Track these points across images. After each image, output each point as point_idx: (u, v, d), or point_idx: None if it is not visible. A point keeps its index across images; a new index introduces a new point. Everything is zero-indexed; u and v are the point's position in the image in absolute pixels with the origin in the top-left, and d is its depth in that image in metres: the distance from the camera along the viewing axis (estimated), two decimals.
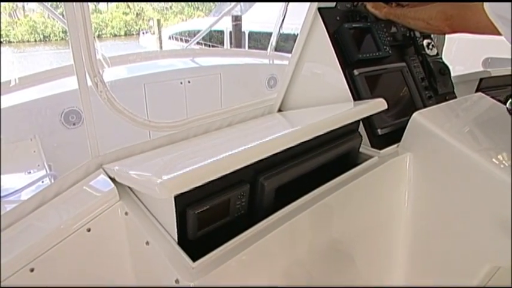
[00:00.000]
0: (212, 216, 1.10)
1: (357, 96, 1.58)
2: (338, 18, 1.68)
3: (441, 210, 1.46)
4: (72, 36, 1.27)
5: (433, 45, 2.08)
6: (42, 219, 1.18)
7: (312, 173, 1.33)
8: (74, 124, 2.78)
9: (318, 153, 1.33)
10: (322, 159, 1.34)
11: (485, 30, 1.28)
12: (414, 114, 1.48)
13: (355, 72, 1.59)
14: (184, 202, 1.03)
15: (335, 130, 1.31)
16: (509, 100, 1.39)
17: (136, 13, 31.69)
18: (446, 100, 1.94)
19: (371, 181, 1.43)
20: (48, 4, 3.10)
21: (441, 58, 2.11)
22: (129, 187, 1.29)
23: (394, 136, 1.58)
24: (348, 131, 1.46)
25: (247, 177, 1.16)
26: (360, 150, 1.56)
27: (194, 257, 1.01)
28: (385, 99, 1.46)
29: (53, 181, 1.98)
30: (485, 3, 1.24)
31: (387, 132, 1.60)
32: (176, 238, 1.08)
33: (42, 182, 1.97)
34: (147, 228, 1.12)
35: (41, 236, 1.07)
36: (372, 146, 1.56)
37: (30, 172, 2.12)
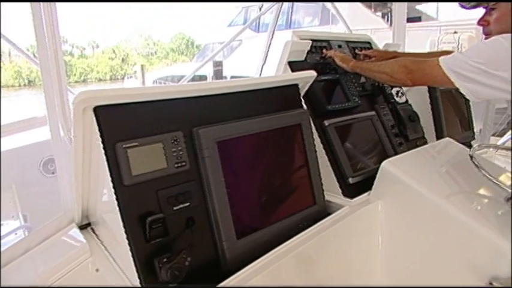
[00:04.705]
0: (146, 160, 1.09)
1: (328, 145, 1.63)
2: None
3: (413, 253, 1.47)
4: (46, 87, 1.31)
5: (402, 93, 2.18)
6: (9, 276, 1.16)
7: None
8: (52, 173, 2.75)
9: (257, 116, 1.35)
10: (262, 123, 1.35)
11: (442, 83, 1.38)
12: (383, 163, 1.53)
13: (326, 122, 1.65)
14: (114, 137, 1.04)
15: (275, 101, 1.44)
16: (471, 149, 1.45)
17: (122, 58, 32.20)
18: (417, 145, 2.01)
19: (344, 229, 1.44)
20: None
21: (410, 105, 2.20)
22: (101, 242, 1.29)
23: (367, 183, 1.62)
24: (290, 106, 1.48)
25: (182, 128, 1.17)
26: (332, 199, 1.58)
27: None
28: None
29: (27, 233, 1.95)
30: (439, 59, 1.34)
31: (359, 181, 1.64)
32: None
33: (16, 233, 1.94)
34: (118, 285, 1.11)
35: None
36: (344, 195, 1.59)
37: (3, 224, 2.08)
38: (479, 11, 1.44)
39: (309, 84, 1.59)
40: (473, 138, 2.54)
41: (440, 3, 12.29)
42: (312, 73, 1.54)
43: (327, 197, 1.55)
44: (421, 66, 1.44)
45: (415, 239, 1.47)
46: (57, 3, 1.33)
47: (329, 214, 1.47)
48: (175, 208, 1.13)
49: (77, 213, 1.33)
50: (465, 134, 2.48)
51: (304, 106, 1.58)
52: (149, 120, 1.11)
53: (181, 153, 1.15)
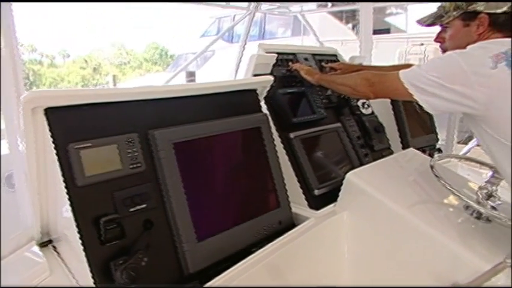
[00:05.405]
0: (100, 161, 1.08)
1: (293, 157, 1.64)
2: (273, 83, 1.77)
3: (378, 262, 1.50)
4: (2, 96, 1.27)
5: (368, 105, 2.22)
6: None
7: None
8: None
9: (214, 119, 1.36)
10: (220, 126, 1.36)
11: (403, 96, 1.40)
12: (348, 175, 1.55)
13: (291, 135, 1.67)
14: (66, 139, 1.03)
15: (234, 105, 1.45)
16: (431, 160, 1.50)
17: (94, 68, 31.63)
18: (382, 156, 2.05)
19: (311, 240, 1.45)
20: None
21: (376, 116, 2.25)
22: (62, 259, 1.25)
23: (333, 195, 1.63)
24: (250, 110, 1.51)
25: (137, 130, 1.17)
26: (298, 212, 1.59)
27: None
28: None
29: None
30: (399, 72, 1.37)
31: (325, 192, 1.66)
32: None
33: None
34: None
35: None
36: (310, 207, 1.61)
37: None
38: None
39: (267, 89, 1.62)
40: (437, 141, 2.61)
41: (409, 16, 12.72)
42: (269, 78, 1.57)
43: (293, 210, 1.56)
44: (383, 79, 1.47)
45: (379, 248, 1.49)
46: (15, 3, 1.28)
47: (295, 226, 1.48)
48: (131, 210, 1.12)
49: (36, 229, 1.29)
50: (429, 136, 2.57)
51: (267, 112, 1.59)
52: (103, 122, 1.11)
53: (136, 154, 1.15)
